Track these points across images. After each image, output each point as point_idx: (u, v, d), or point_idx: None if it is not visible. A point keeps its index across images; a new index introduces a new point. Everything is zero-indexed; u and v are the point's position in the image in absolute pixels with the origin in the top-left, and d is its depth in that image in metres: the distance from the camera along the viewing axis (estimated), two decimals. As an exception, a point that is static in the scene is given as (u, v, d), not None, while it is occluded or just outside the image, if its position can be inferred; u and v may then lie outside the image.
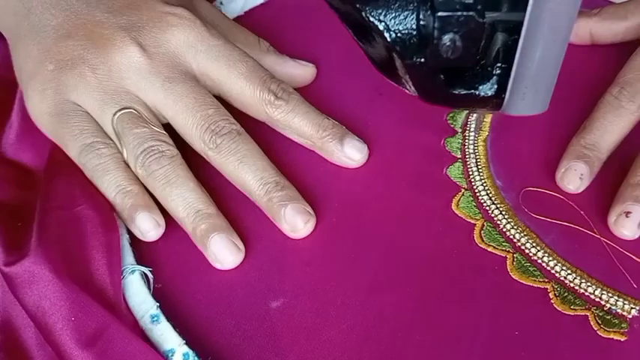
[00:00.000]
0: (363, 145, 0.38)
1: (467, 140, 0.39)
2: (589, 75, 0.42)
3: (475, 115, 0.40)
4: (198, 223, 0.34)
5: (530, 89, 0.29)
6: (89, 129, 0.36)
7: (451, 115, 0.40)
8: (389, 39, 0.29)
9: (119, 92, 0.36)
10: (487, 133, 0.40)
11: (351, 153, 0.37)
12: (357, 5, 0.29)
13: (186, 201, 0.34)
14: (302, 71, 0.42)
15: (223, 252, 0.34)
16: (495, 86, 0.29)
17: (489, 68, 0.29)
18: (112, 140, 0.36)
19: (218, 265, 0.34)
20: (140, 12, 0.37)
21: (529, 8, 0.26)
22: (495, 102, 0.30)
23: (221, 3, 0.46)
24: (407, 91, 0.33)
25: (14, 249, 0.33)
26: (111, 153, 0.35)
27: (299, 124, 0.37)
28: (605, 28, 0.42)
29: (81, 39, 0.37)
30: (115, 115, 0.35)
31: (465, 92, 0.30)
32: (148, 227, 0.34)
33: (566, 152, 0.37)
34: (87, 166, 0.35)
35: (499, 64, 0.29)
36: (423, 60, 0.29)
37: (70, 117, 0.36)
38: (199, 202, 0.35)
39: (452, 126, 0.40)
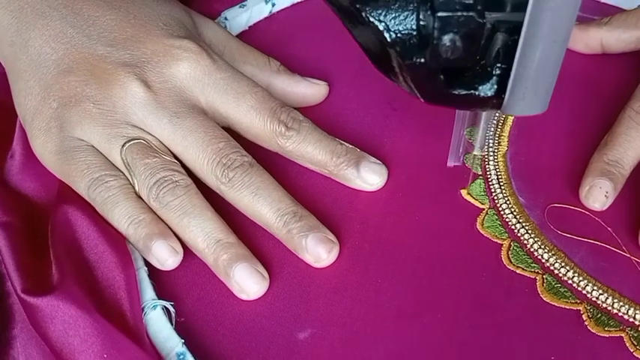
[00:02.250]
0: (381, 167, 0.37)
1: (487, 155, 0.39)
2: (602, 84, 0.42)
3: (493, 128, 0.40)
4: (220, 253, 0.33)
5: (530, 89, 0.29)
6: (96, 163, 0.34)
7: (469, 129, 0.39)
8: (389, 39, 0.28)
9: (126, 125, 0.35)
10: (506, 148, 0.39)
11: (368, 178, 0.36)
12: (357, 5, 0.28)
13: (205, 231, 0.33)
14: (315, 90, 0.41)
15: (248, 282, 0.33)
16: (495, 86, 0.29)
17: (489, 68, 0.29)
18: (120, 172, 0.35)
19: (243, 296, 0.33)
20: (144, 45, 0.36)
21: (529, 8, 0.26)
22: (495, 102, 0.30)
23: (225, 18, 0.44)
24: (404, 88, 0.32)
25: (31, 277, 0.32)
26: (120, 185, 0.34)
27: (312, 154, 0.36)
28: (616, 38, 0.42)
29: (83, 74, 0.35)
30: (123, 146, 0.34)
31: (464, 92, 0.30)
32: (166, 255, 0.33)
33: (588, 169, 0.36)
34: (96, 200, 0.34)
35: (499, 65, 0.29)
36: (423, 60, 0.28)
37: (76, 153, 0.35)
38: (219, 232, 0.33)
39: (470, 140, 0.39)
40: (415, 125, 0.40)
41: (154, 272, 0.34)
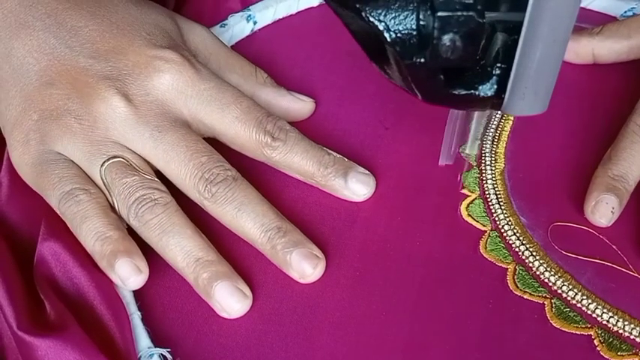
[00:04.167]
0: (368, 177, 0.36)
1: (484, 174, 0.37)
2: (595, 96, 0.41)
3: (489, 144, 0.39)
4: (200, 272, 0.32)
5: (530, 89, 0.29)
6: (69, 176, 0.34)
7: (464, 146, 0.38)
8: (389, 39, 0.28)
9: (106, 142, 0.34)
10: (503, 165, 0.38)
11: (356, 188, 0.36)
12: (357, 5, 0.28)
13: (185, 250, 0.32)
14: (300, 106, 0.40)
15: (229, 300, 0.32)
16: (495, 86, 0.29)
17: (489, 68, 0.29)
18: (93, 186, 0.34)
19: (225, 315, 0.32)
20: (126, 57, 0.35)
21: (529, 8, 0.26)
22: (495, 102, 0.30)
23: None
24: (399, 84, 0.31)
25: (25, 313, 0.31)
26: (90, 199, 0.33)
27: (299, 164, 0.36)
28: (608, 48, 0.41)
29: (65, 87, 0.35)
30: (102, 165, 0.34)
31: (464, 92, 0.30)
32: (128, 274, 0.32)
33: (593, 184, 0.35)
34: (66, 215, 0.33)
35: (499, 64, 0.29)
36: (422, 60, 0.28)
37: (52, 165, 0.34)
38: (198, 250, 0.32)
39: (466, 158, 0.38)
40: (408, 144, 0.39)
41: (148, 317, 0.32)
